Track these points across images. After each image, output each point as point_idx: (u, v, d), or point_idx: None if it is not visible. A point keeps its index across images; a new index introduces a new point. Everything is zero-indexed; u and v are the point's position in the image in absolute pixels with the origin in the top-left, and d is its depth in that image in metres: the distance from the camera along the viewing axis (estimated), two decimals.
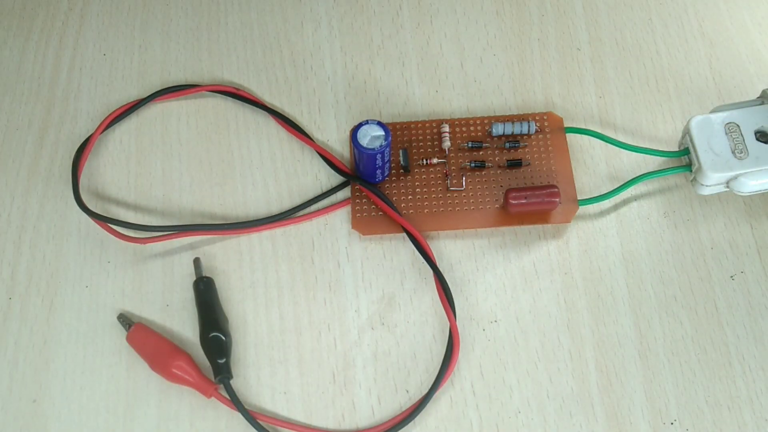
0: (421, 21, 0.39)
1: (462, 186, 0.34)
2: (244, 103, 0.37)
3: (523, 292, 0.32)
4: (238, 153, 0.36)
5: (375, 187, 0.34)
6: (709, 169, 0.31)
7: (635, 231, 0.33)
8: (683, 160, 0.34)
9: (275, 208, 0.35)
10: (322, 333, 0.32)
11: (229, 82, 0.38)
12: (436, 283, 0.32)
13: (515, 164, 0.34)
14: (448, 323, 0.31)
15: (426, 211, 0.33)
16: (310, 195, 0.35)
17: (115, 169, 0.36)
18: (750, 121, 0.32)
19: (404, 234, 0.33)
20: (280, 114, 0.36)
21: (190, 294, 0.32)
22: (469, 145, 0.35)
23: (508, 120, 0.35)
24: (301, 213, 0.34)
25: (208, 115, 0.37)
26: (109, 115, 0.36)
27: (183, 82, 0.38)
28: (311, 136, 0.36)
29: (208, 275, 0.33)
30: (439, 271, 0.32)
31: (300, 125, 0.36)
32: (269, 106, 0.37)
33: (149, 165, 0.36)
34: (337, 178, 0.35)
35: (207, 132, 0.37)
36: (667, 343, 0.31)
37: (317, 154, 0.36)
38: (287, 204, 0.35)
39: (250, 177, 0.35)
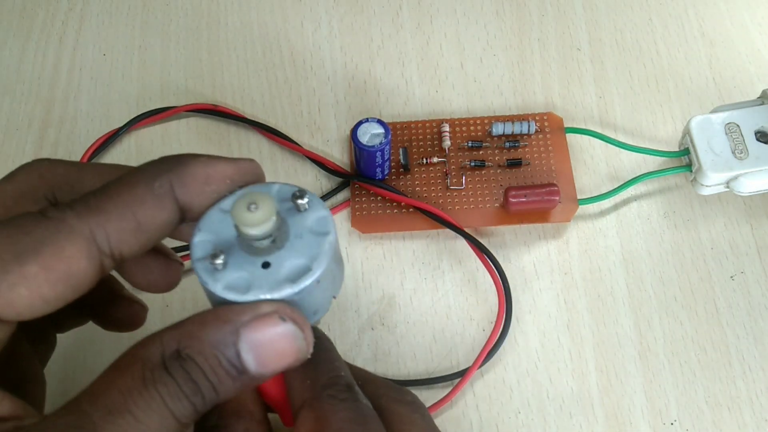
0: (421, 21, 0.39)
1: (462, 185, 0.34)
2: (227, 119, 0.37)
3: (523, 292, 0.32)
4: (238, 153, 0.36)
5: (376, 180, 0.34)
6: (709, 169, 0.31)
7: (635, 231, 0.33)
8: (683, 160, 0.34)
9: None
10: None
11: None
12: (470, 246, 0.32)
13: (515, 164, 0.34)
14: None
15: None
16: None
17: None
18: (750, 121, 0.32)
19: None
20: (263, 125, 0.36)
21: (189, 294, 0.32)
22: (469, 144, 0.35)
23: (508, 120, 0.35)
24: None
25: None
26: (87, 150, 0.35)
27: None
28: (298, 142, 0.35)
29: None
30: (467, 233, 0.32)
31: (286, 134, 0.36)
32: (250, 118, 0.36)
33: None
34: (337, 177, 0.35)
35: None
36: (667, 343, 0.31)
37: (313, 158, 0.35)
38: None
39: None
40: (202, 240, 0.19)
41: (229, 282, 0.18)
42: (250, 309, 0.18)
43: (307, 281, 0.18)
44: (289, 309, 0.18)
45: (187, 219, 0.20)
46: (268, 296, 0.18)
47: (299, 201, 0.19)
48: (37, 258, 0.17)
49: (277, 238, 0.19)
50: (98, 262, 0.18)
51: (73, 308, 0.24)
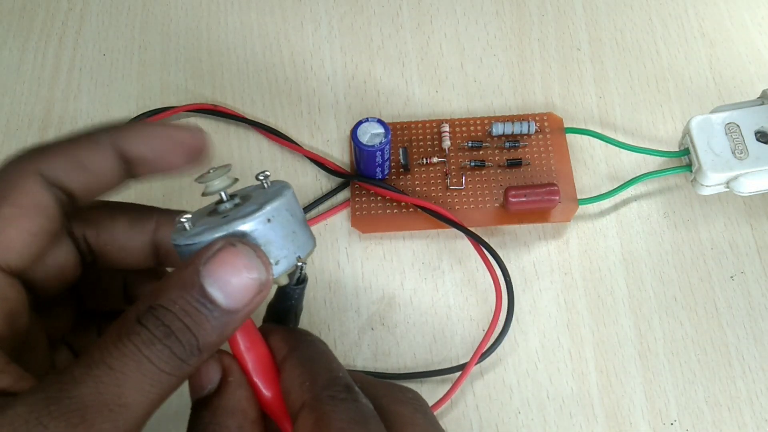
0: (421, 21, 0.39)
1: (462, 185, 0.34)
2: (226, 119, 0.37)
3: (523, 292, 0.32)
4: (238, 153, 0.36)
5: (376, 180, 0.34)
6: (709, 169, 0.31)
7: (635, 231, 0.33)
8: (683, 160, 0.34)
9: None
10: (322, 333, 0.32)
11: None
12: (472, 243, 0.32)
13: (515, 164, 0.34)
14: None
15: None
16: (311, 195, 0.35)
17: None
18: (750, 121, 0.32)
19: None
20: (263, 125, 0.36)
21: None
22: (469, 144, 0.35)
23: (508, 120, 0.35)
24: None
25: None
26: None
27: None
28: (298, 142, 0.36)
29: None
30: (468, 230, 0.32)
31: (286, 134, 0.36)
32: (250, 118, 0.36)
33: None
34: (337, 178, 0.35)
35: None
36: (667, 344, 0.31)
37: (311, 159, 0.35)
38: None
39: (250, 177, 0.35)
40: (185, 220, 0.21)
41: (191, 234, 0.20)
42: (207, 249, 0.19)
43: (256, 217, 0.20)
44: (239, 238, 0.19)
45: (135, 173, 0.22)
46: (220, 234, 0.20)
47: (260, 177, 0.22)
48: (7, 200, 0.20)
49: (240, 205, 0.21)
50: (53, 194, 0.20)
51: None
